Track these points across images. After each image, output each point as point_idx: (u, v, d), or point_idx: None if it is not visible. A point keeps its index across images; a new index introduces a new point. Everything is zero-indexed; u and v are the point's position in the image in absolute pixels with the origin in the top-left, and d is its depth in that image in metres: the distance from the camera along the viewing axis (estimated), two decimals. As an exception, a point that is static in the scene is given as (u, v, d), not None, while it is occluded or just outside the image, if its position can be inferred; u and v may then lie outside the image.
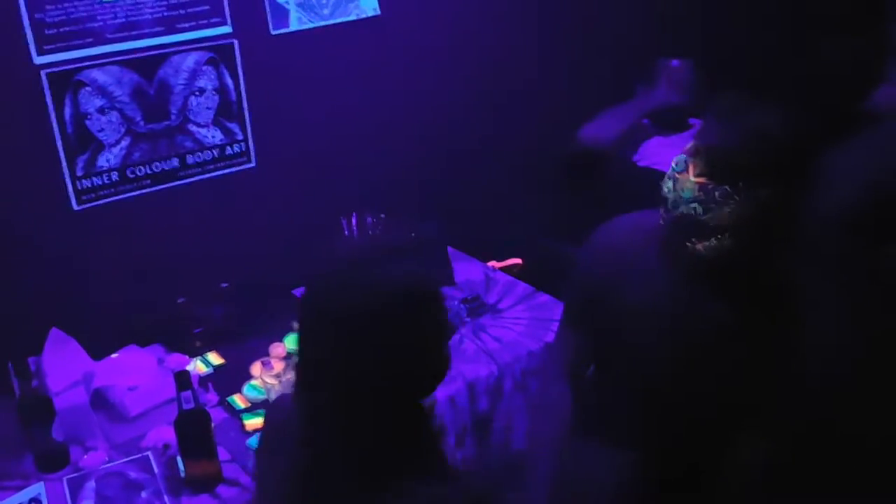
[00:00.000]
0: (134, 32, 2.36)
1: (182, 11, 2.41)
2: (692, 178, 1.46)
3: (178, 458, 1.99)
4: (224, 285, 2.58)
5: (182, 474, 1.98)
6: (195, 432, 1.90)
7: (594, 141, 2.75)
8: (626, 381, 1.72)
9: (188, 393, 1.85)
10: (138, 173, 2.46)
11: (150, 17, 2.37)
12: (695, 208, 1.46)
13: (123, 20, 2.33)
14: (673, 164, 1.51)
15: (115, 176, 2.42)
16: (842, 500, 1.73)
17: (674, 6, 3.29)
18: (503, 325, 2.52)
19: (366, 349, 1.18)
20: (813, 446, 1.69)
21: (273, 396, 2.24)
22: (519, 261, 2.93)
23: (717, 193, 1.43)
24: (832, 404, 1.67)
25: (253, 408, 2.25)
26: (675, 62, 2.60)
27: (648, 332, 1.64)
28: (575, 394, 1.80)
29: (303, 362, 1.27)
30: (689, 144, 1.50)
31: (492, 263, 2.89)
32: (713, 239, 1.46)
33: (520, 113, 3.13)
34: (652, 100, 2.67)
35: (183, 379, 1.85)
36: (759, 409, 1.61)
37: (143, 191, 2.48)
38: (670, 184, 1.50)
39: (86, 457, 2.06)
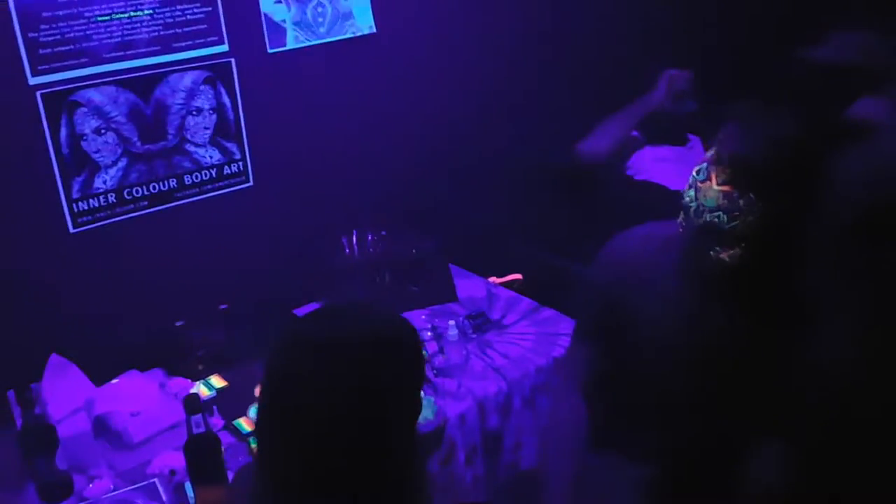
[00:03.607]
0: (130, 52, 2.32)
1: (179, 30, 2.38)
2: (715, 187, 1.46)
3: (188, 485, 1.94)
4: (224, 306, 2.53)
5: (191, 501, 1.92)
6: (206, 457, 1.84)
7: (592, 154, 2.76)
8: (643, 392, 1.70)
9: (198, 417, 1.80)
10: (135, 194, 2.42)
11: (146, 36, 2.34)
12: (718, 216, 1.45)
13: (119, 39, 2.30)
14: (694, 173, 1.50)
15: (111, 197, 2.38)
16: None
17: (671, 18, 3.32)
18: (509, 340, 2.49)
19: (348, 410, 1.10)
20: (831, 454, 1.68)
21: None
22: (519, 276, 2.91)
23: (741, 202, 1.43)
24: (851, 411, 1.67)
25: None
26: (672, 71, 2.62)
27: (665, 343, 1.63)
28: (589, 408, 1.78)
29: (268, 439, 1.17)
30: (711, 152, 1.49)
31: (492, 279, 2.87)
32: (737, 247, 1.46)
33: (517, 128, 3.13)
34: (645, 105, 2.67)
35: (192, 403, 1.80)
36: (777, 417, 1.60)
37: (141, 212, 2.44)
38: (692, 192, 1.49)
39: (90, 486, 2.00)
